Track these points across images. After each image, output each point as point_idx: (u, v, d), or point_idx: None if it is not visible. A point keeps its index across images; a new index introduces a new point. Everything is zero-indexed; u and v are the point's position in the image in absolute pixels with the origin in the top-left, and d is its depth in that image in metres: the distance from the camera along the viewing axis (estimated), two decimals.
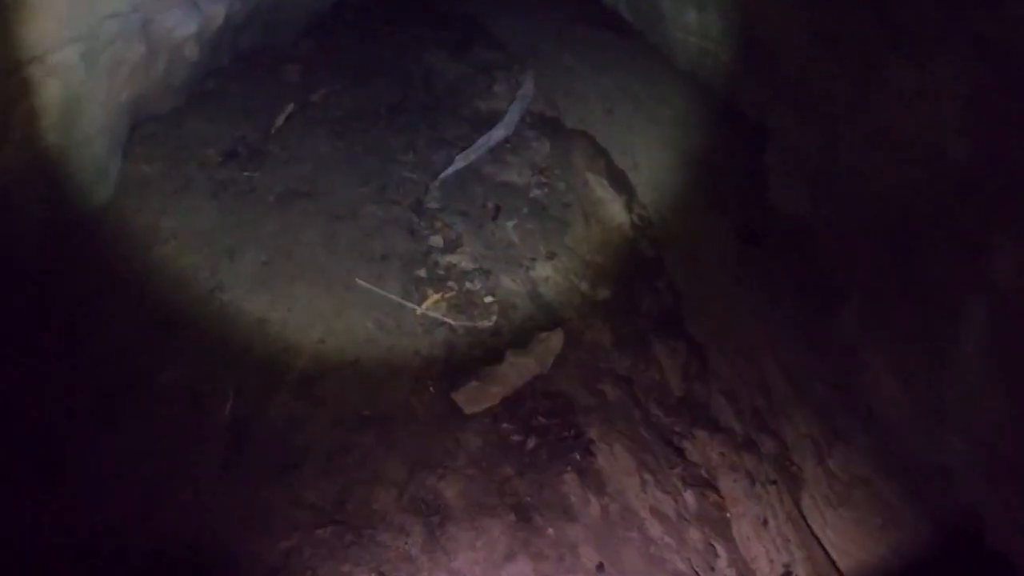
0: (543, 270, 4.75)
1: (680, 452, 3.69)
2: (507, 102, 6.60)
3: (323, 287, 4.25)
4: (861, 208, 4.06)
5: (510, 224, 5.09)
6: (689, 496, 3.63)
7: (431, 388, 3.91)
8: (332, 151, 5.66)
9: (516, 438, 3.71)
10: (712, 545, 3.48)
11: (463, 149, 5.81)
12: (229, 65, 6.86)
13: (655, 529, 3.43)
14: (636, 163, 6.34)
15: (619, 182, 5.99)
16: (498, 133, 5.88)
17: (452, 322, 4.27)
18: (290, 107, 6.03)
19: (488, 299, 4.47)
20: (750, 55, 5.83)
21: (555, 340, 4.13)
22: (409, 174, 5.49)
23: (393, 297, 4.35)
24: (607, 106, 7.08)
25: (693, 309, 4.96)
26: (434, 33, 8.30)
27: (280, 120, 5.82)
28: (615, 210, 5.55)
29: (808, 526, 3.63)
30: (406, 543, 3.17)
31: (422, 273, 4.66)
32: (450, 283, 4.57)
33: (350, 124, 6.00)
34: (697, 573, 3.32)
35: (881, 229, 4.02)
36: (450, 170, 5.45)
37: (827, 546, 3.57)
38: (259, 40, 7.65)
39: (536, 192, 5.44)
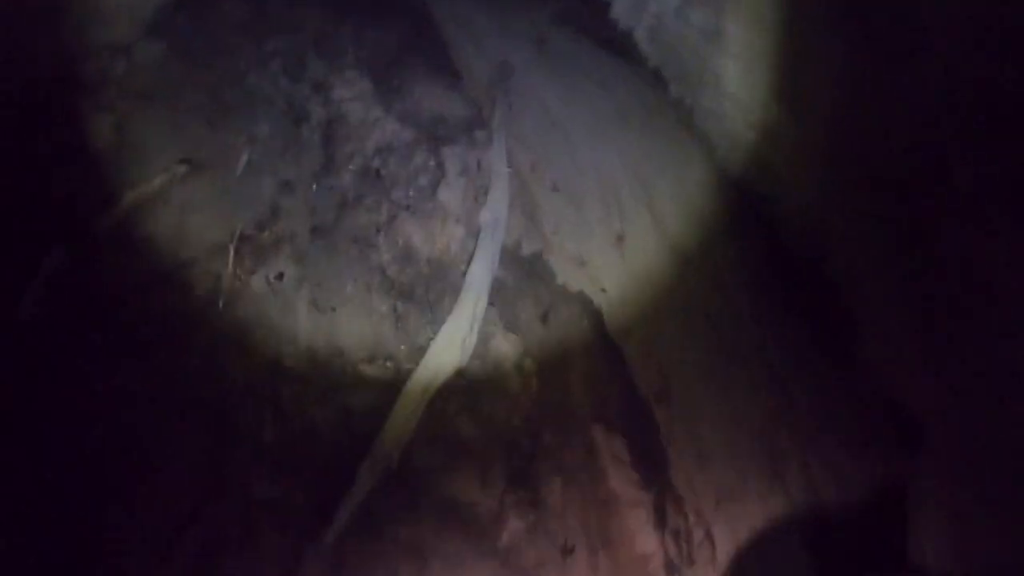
0: None
1: None
2: (460, 226, 3.24)
3: None
4: None
5: None
6: None
7: None
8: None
9: None
10: None
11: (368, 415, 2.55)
12: None
13: None
14: (667, 379, 3.22)
15: (646, 454, 2.90)
16: (446, 360, 2.61)
17: None
18: (57, 257, 2.57)
19: None
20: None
21: None
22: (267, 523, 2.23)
23: None
24: (616, 225, 3.78)
25: None
26: (356, 36, 4.54)
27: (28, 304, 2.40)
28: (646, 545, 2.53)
29: None
30: None
31: None
32: None
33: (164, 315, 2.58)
34: None
35: None
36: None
37: None
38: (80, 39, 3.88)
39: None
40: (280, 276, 2.86)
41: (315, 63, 4.34)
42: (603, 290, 3.55)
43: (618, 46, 5.05)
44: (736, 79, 3.94)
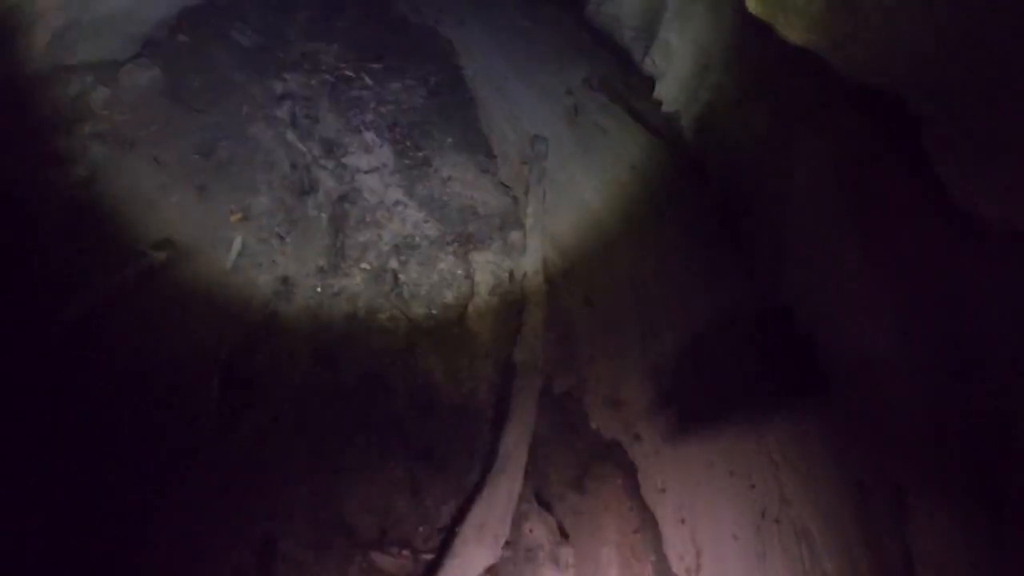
0: None
1: None
2: (490, 363, 2.67)
3: None
4: None
5: None
6: None
7: None
8: None
9: None
10: None
11: None
12: None
13: None
14: (699, 549, 2.79)
15: None
16: (474, 557, 2.02)
17: None
18: None
19: None
20: None
21: None
22: None
23: None
24: (653, 352, 3.30)
25: None
26: (378, 85, 3.87)
27: None
28: None
29: None
30: None
31: None
32: None
33: None
34: None
35: None
36: None
37: None
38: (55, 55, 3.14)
39: None
40: (275, 419, 2.21)
41: (329, 115, 3.65)
42: (637, 437, 3.00)
43: (654, 123, 4.50)
44: (805, 203, 3.42)
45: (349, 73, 3.91)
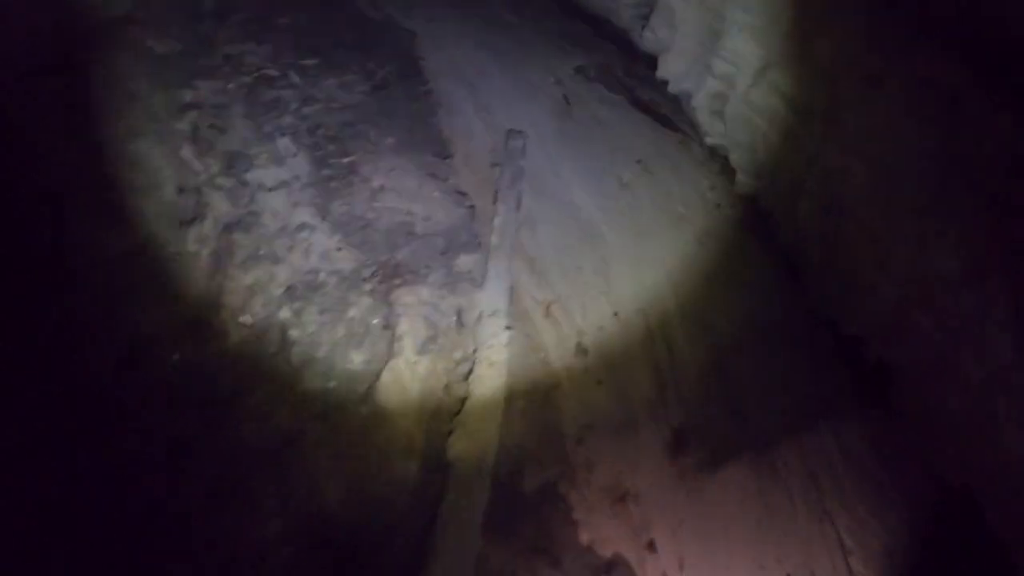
0: None
1: None
2: (413, 461, 1.60)
3: None
4: None
5: None
6: None
7: None
8: None
9: None
10: None
11: None
12: None
13: None
14: None
15: None
16: None
17: None
18: None
19: None
20: None
21: None
22: None
23: None
24: (674, 415, 2.21)
25: None
26: (309, 84, 2.97)
27: None
28: None
29: None
30: None
31: None
32: None
33: None
34: None
35: None
36: None
37: None
38: None
39: None
40: (82, 558, 1.26)
41: (240, 123, 2.77)
42: (652, 547, 1.95)
43: (663, 112, 3.49)
44: (873, 182, 2.34)
45: (272, 72, 3.03)
